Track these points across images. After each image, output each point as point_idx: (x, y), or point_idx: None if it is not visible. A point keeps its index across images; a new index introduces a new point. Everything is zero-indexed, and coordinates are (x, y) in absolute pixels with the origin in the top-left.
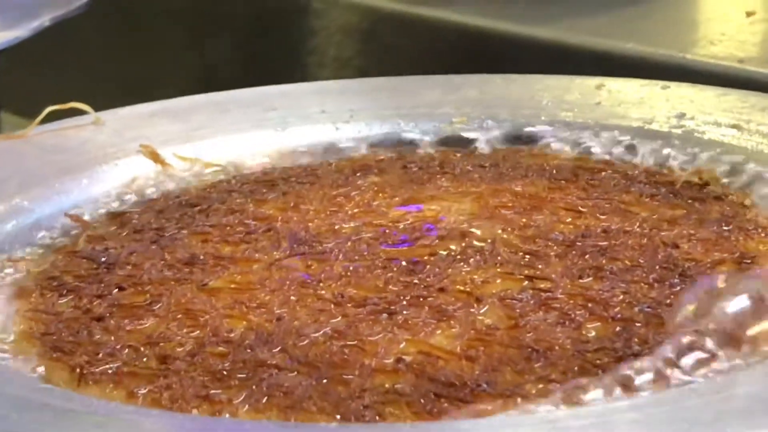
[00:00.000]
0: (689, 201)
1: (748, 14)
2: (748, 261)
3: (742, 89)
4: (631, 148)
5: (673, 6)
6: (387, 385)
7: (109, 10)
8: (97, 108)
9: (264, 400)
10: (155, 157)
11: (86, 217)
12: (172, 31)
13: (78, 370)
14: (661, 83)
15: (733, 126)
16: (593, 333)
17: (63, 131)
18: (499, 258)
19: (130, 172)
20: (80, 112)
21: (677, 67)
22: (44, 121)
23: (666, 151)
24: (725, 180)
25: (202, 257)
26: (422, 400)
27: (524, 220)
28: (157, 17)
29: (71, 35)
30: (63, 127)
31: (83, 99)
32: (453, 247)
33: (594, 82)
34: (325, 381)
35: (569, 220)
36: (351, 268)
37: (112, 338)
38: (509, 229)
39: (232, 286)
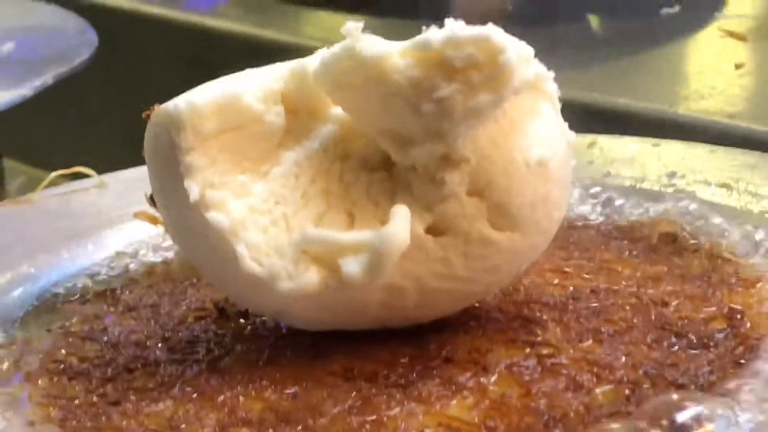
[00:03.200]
0: (668, 256)
1: (737, 66)
2: (739, 316)
3: (732, 145)
4: (620, 207)
5: (664, 59)
6: None
7: (110, 68)
8: (101, 165)
9: None
10: (154, 221)
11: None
12: (173, 86)
13: None
14: (653, 141)
15: (722, 185)
16: (603, 400)
17: (67, 195)
18: (497, 324)
19: (133, 235)
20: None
21: (669, 122)
22: (50, 185)
23: (658, 210)
24: (707, 232)
25: (203, 335)
26: None
27: (512, 284)
28: (158, 74)
29: (74, 90)
30: (67, 191)
31: (86, 151)
32: None
33: (587, 140)
34: None
35: (556, 281)
36: (356, 341)
37: (133, 422)
38: (499, 293)
39: (242, 364)
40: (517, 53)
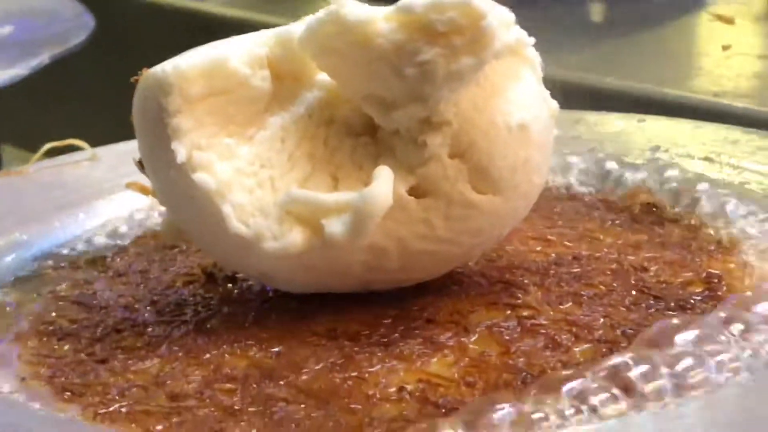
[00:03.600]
0: (649, 225)
1: (724, 48)
2: (716, 280)
3: (717, 122)
4: (603, 179)
5: (653, 40)
6: (394, 413)
7: (105, 49)
8: (95, 142)
9: None
10: (145, 191)
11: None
12: None
13: (92, 409)
14: (638, 117)
15: (705, 158)
16: (580, 357)
17: (61, 167)
18: (479, 288)
19: (125, 206)
20: (78, 148)
21: (656, 101)
22: (43, 156)
23: (637, 179)
24: (688, 203)
25: (191, 299)
26: (428, 425)
27: (495, 251)
28: (152, 55)
29: (70, 72)
30: (61, 163)
31: (82, 133)
32: None
33: (574, 116)
34: (333, 411)
35: (539, 248)
36: (340, 303)
37: (120, 379)
38: (482, 260)
39: (228, 325)
40: (498, 18)
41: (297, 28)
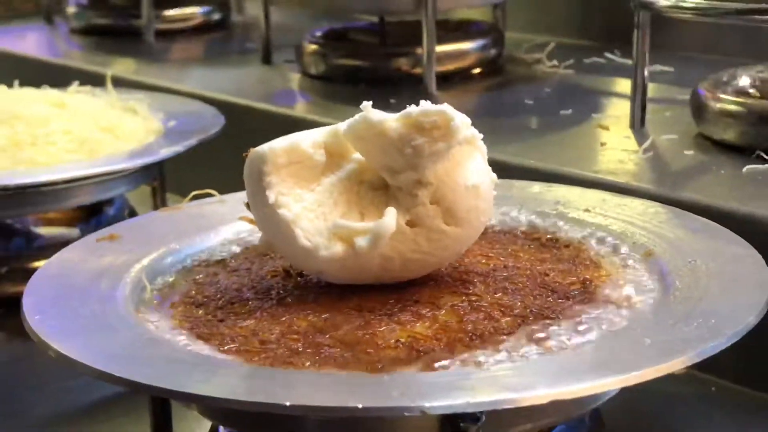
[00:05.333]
0: (551, 249)
1: (602, 144)
2: (589, 282)
3: (595, 189)
4: (525, 221)
5: (561, 140)
6: (392, 355)
7: (231, 136)
8: (223, 192)
9: (323, 365)
10: (251, 222)
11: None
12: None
13: (215, 348)
14: (548, 185)
15: (586, 210)
16: (505, 325)
17: (202, 206)
18: (447, 283)
19: (240, 229)
20: (212, 194)
21: (560, 175)
22: (190, 200)
23: (545, 222)
24: (574, 236)
25: (275, 285)
26: (413, 363)
27: (457, 261)
28: (258, 143)
29: (209, 149)
30: (201, 203)
31: (215, 186)
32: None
33: (508, 183)
34: (357, 354)
35: (483, 261)
36: (364, 290)
37: (231, 331)
38: (449, 266)
39: (297, 302)
40: (461, 121)
41: (342, 125)
